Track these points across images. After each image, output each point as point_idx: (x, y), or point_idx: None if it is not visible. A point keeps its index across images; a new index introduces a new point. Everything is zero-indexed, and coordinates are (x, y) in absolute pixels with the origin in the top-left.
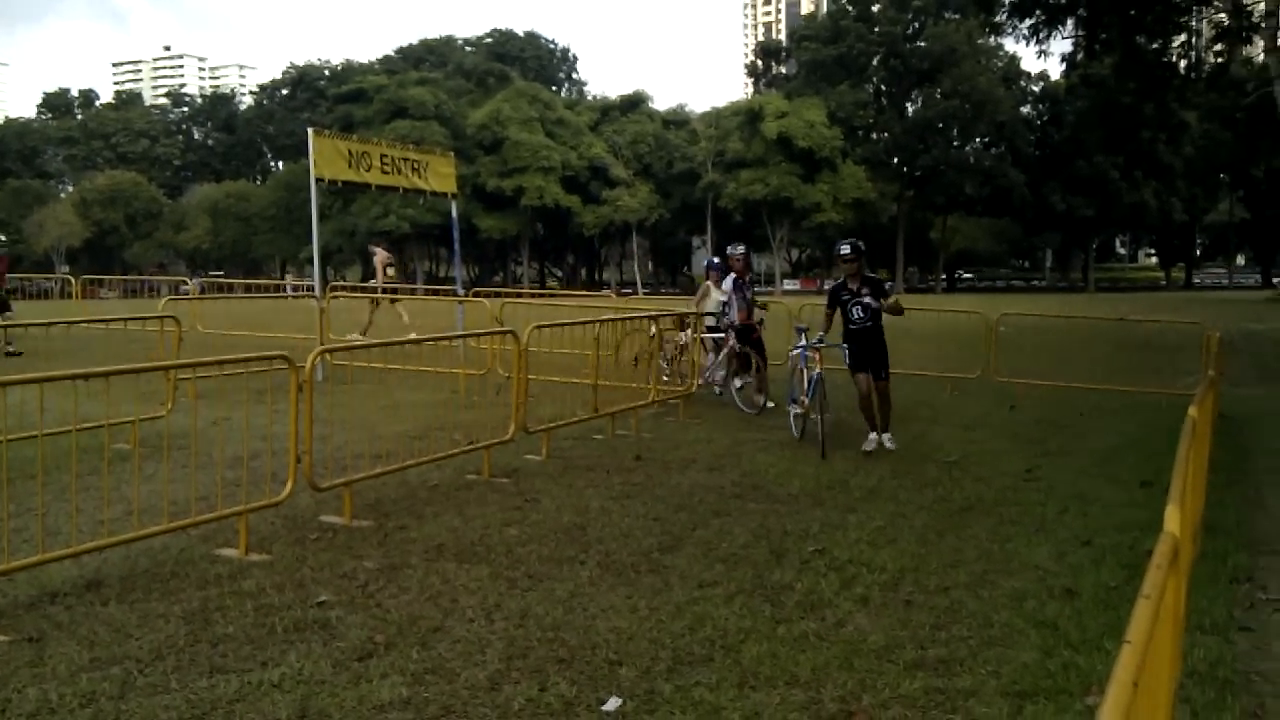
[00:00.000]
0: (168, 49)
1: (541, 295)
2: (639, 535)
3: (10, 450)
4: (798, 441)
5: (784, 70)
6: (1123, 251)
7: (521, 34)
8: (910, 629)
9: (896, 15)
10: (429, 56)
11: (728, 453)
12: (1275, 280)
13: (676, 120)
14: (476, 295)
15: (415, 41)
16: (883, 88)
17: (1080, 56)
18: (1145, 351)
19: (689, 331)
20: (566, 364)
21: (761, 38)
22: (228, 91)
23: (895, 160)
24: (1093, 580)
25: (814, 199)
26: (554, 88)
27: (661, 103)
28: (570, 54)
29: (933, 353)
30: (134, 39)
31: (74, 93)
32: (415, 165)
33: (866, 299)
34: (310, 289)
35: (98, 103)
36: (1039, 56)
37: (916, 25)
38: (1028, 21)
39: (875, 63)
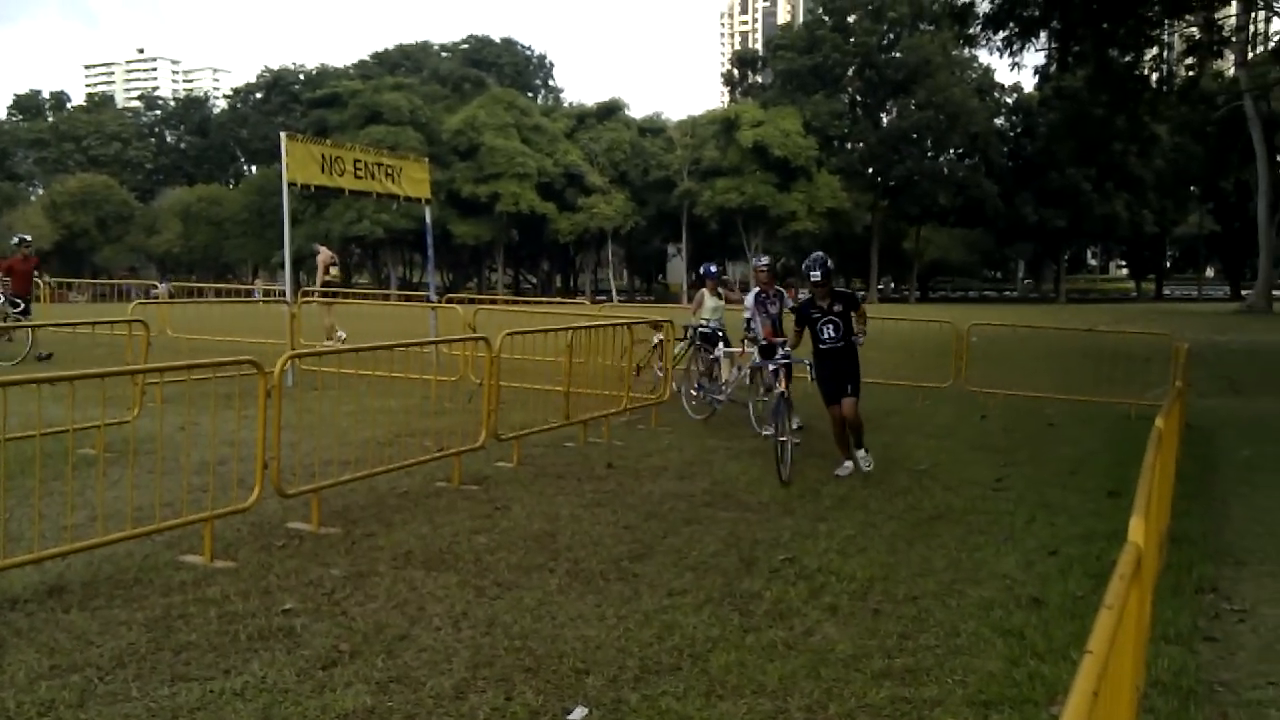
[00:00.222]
0: (141, 51)
1: (515, 302)
2: (609, 543)
3: None
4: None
5: (760, 79)
6: (1094, 263)
7: (498, 40)
8: (878, 638)
9: (872, 26)
10: (405, 62)
11: (699, 461)
12: (1244, 293)
13: (653, 128)
14: (449, 301)
15: (391, 47)
16: (858, 98)
17: (1053, 69)
18: (1115, 362)
19: (659, 336)
20: (539, 371)
21: (738, 47)
22: (201, 95)
23: (870, 170)
24: (1059, 590)
25: (789, 208)
26: (530, 94)
27: (638, 110)
28: (547, 61)
29: (905, 362)
30: (107, 41)
31: (45, 94)
32: (389, 170)
33: (837, 317)
34: (281, 293)
35: (69, 105)
36: (1012, 69)
37: (892, 36)
38: (1001, 34)
39: (851, 73)
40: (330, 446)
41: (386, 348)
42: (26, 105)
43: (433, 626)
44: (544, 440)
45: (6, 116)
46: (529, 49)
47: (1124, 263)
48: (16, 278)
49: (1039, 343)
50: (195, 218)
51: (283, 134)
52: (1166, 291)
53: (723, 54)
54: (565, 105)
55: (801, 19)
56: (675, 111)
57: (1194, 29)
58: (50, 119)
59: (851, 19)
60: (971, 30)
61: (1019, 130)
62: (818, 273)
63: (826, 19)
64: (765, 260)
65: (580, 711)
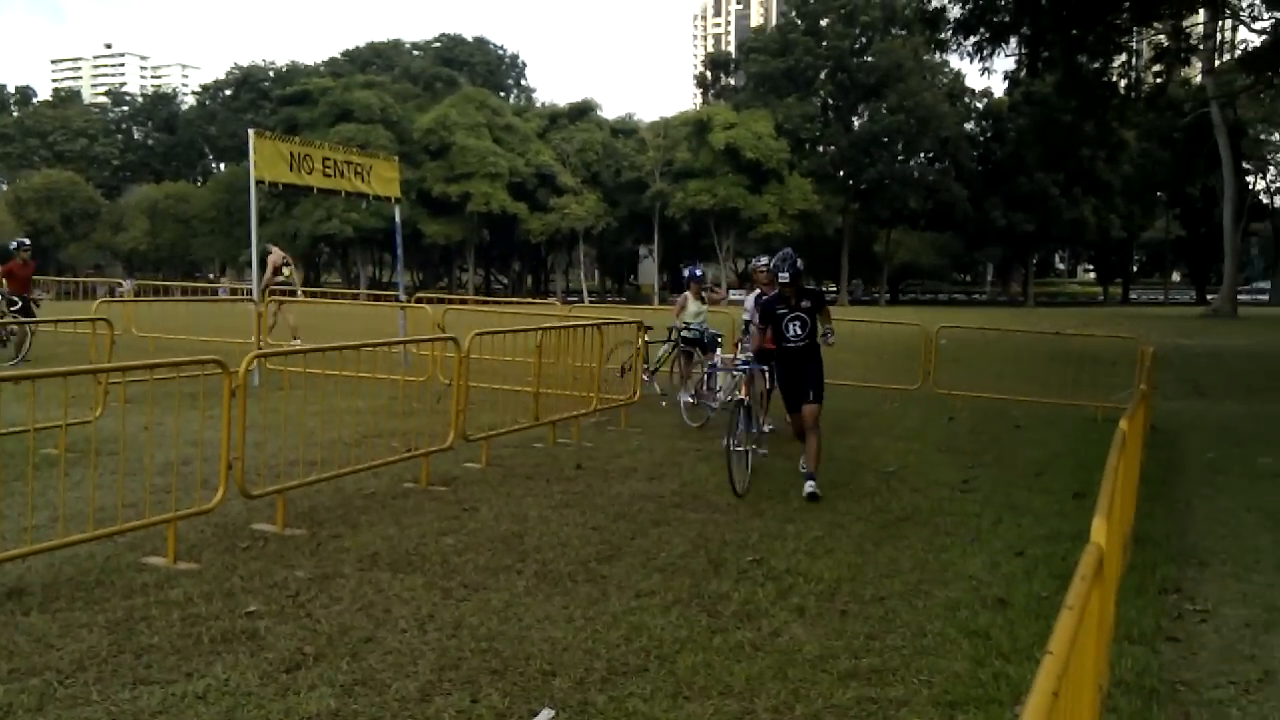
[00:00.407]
0: (109, 47)
1: (485, 303)
2: (577, 544)
3: None
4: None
5: (732, 82)
6: (1062, 267)
7: (470, 39)
8: (845, 639)
9: (844, 30)
10: (376, 60)
11: (668, 462)
12: (1209, 297)
13: (625, 129)
14: (419, 301)
15: (362, 44)
16: (830, 101)
17: (1022, 74)
18: (1081, 365)
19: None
20: (509, 372)
21: (710, 49)
22: (169, 91)
23: (841, 173)
24: (1025, 590)
25: (761, 210)
26: (502, 94)
27: (610, 111)
28: (519, 60)
29: (874, 364)
30: (74, 36)
31: (10, 89)
32: (358, 169)
33: (804, 314)
34: (248, 292)
35: (35, 100)
36: (982, 74)
37: (864, 40)
38: (972, 39)
39: (823, 76)
40: (296, 447)
41: (354, 347)
42: None
43: (398, 629)
44: (513, 441)
45: None
46: (501, 48)
47: (1091, 267)
48: (15, 282)
49: (1007, 345)
50: (162, 215)
51: (251, 131)
52: (1133, 295)
53: (695, 56)
54: (537, 105)
55: (774, 22)
56: (647, 113)
57: (1162, 36)
58: (15, 114)
59: (824, 22)
60: (942, 35)
61: (989, 135)
62: (786, 272)
63: (799, 22)
64: (766, 260)
65: (546, 714)
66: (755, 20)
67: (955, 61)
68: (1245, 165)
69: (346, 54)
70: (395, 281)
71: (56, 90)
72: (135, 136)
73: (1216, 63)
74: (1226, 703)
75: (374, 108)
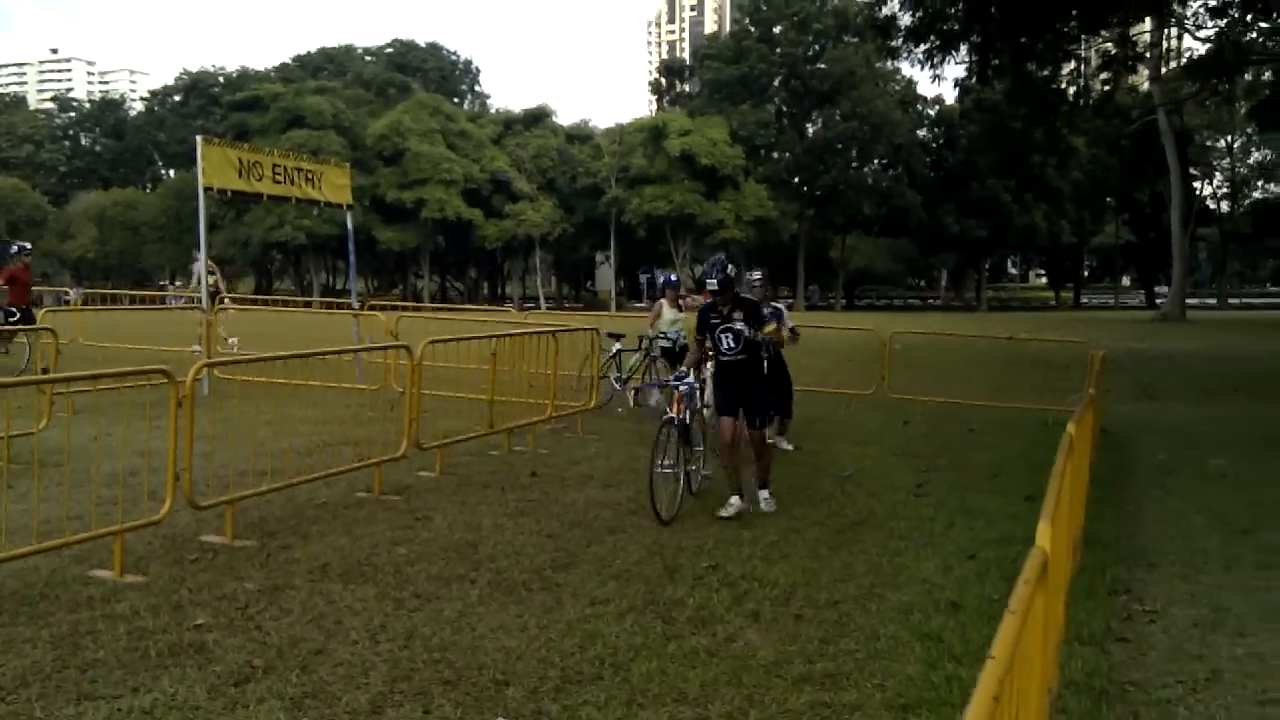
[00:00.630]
0: (54, 52)
1: (440, 310)
2: (531, 552)
3: None
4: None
5: (687, 89)
6: (1014, 272)
7: (423, 45)
8: (799, 643)
9: (797, 37)
10: (328, 65)
11: (624, 469)
12: (1159, 301)
13: (580, 135)
14: (372, 308)
15: (314, 49)
16: (784, 108)
17: (973, 82)
18: (1034, 369)
19: (618, 345)
20: (464, 379)
21: (665, 55)
22: (117, 97)
23: (796, 179)
24: (976, 593)
25: (717, 216)
26: (456, 100)
27: (565, 118)
28: (473, 66)
29: (830, 369)
30: (19, 41)
31: None
32: (309, 176)
33: (738, 324)
34: (196, 299)
35: None
36: (934, 81)
37: (817, 48)
38: (922, 47)
39: (776, 83)
40: (247, 457)
41: (306, 356)
42: None
43: (349, 640)
44: (468, 449)
45: None
46: (455, 54)
47: (1043, 272)
48: (18, 286)
49: (960, 350)
50: (111, 222)
51: (198, 138)
52: (1084, 299)
53: (650, 63)
54: (492, 111)
55: (728, 29)
56: (603, 119)
57: (1109, 44)
58: None
59: (777, 30)
60: (894, 43)
61: (941, 142)
62: (714, 280)
63: (752, 29)
64: (759, 275)
65: None
66: (709, 27)
67: (907, 69)
68: (1192, 171)
69: (298, 59)
70: (349, 288)
71: (1, 95)
72: (83, 143)
73: (1163, 70)
74: (1175, 702)
75: (326, 114)
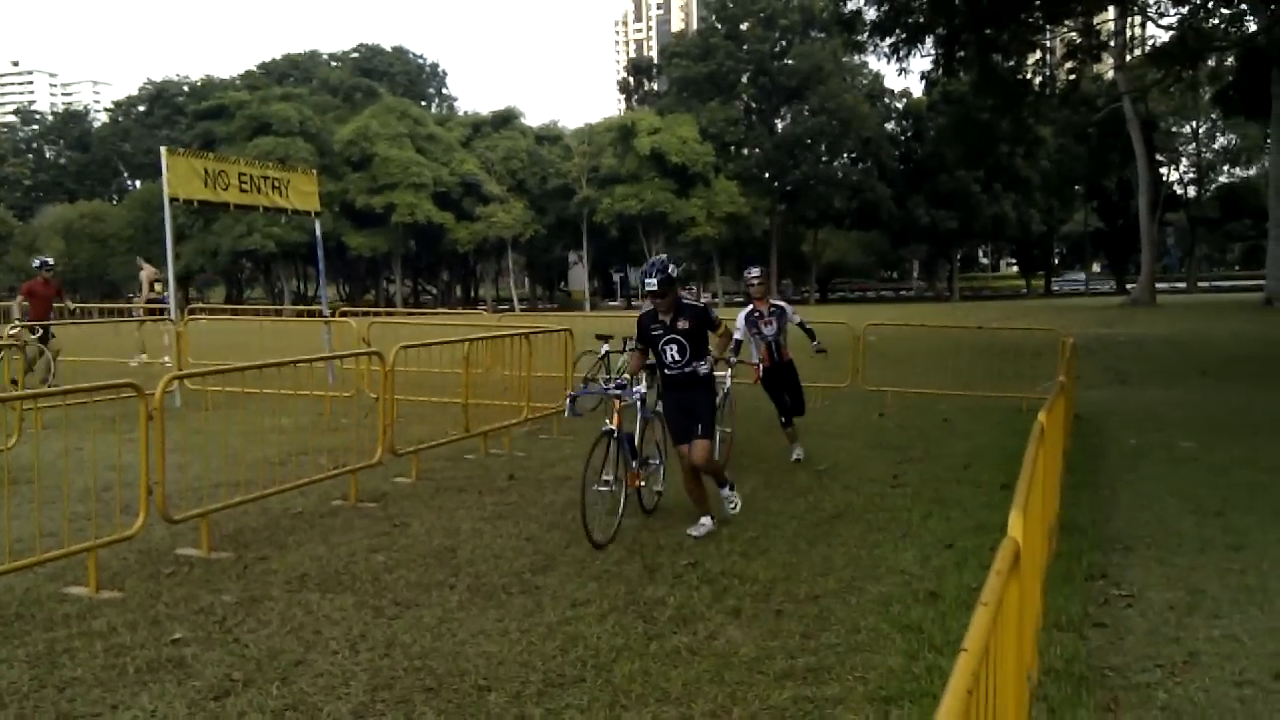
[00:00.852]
0: (16, 64)
1: (412, 314)
2: (511, 556)
3: None
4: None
5: (655, 87)
6: (985, 261)
7: (389, 49)
8: (780, 639)
9: (764, 34)
10: (293, 72)
11: None
12: (1129, 287)
13: (549, 136)
14: (344, 314)
15: (278, 56)
16: (753, 104)
17: (939, 74)
18: (1006, 358)
19: (606, 347)
20: (438, 383)
21: (633, 54)
22: (81, 108)
23: (766, 175)
24: (955, 582)
25: (688, 214)
26: (424, 103)
27: (534, 119)
28: (440, 70)
29: (804, 362)
30: None
31: None
32: (276, 184)
33: (681, 336)
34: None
35: None
36: (900, 74)
37: (784, 43)
38: (888, 40)
39: (745, 80)
40: (220, 468)
41: (277, 365)
42: None
43: (329, 650)
44: (444, 454)
45: None
46: (421, 58)
47: (1014, 260)
48: (37, 301)
49: (933, 341)
50: (78, 235)
51: (163, 149)
52: (1055, 287)
53: (618, 62)
54: (460, 114)
55: (695, 26)
56: (572, 119)
57: (1074, 34)
58: None
59: (744, 26)
60: (859, 37)
61: (909, 134)
62: (653, 280)
63: (719, 26)
64: (757, 272)
65: None
66: (676, 25)
67: (874, 63)
68: (1158, 157)
69: (263, 66)
70: (319, 295)
71: None
72: (47, 156)
73: (1127, 58)
74: (1154, 685)
75: (292, 120)
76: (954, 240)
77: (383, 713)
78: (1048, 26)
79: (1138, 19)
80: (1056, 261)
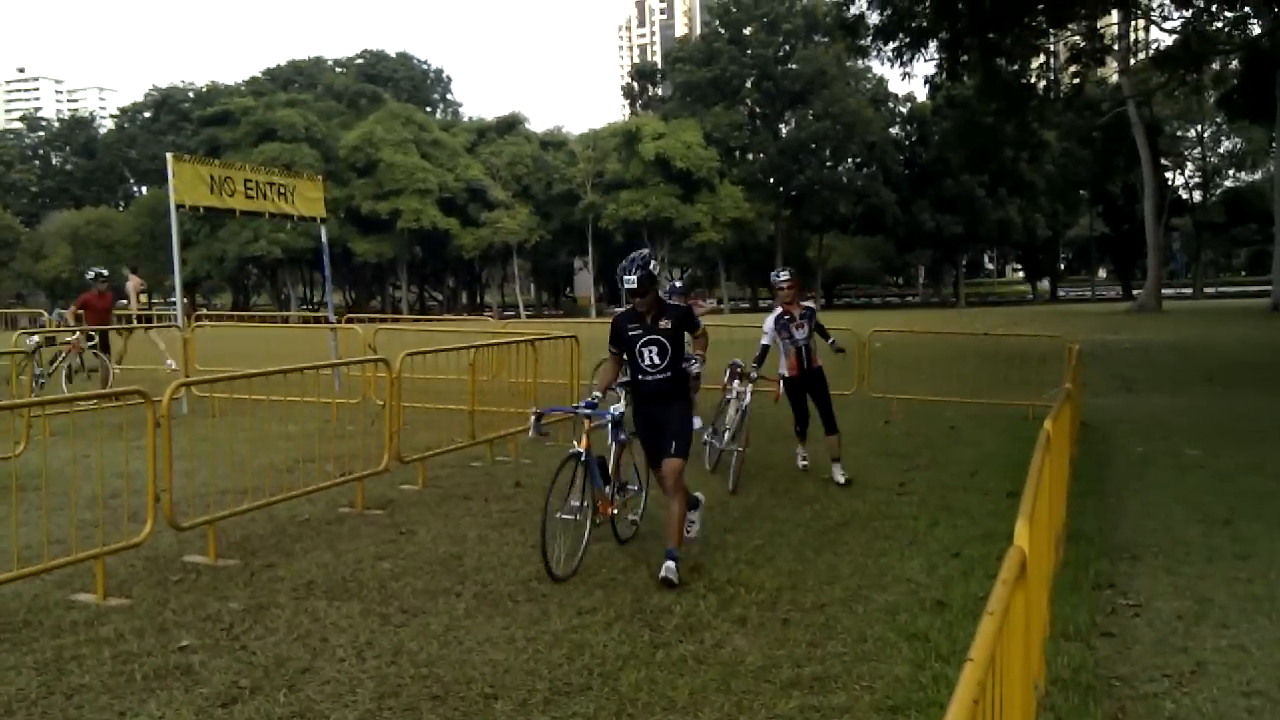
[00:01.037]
0: (21, 71)
1: (418, 321)
2: (517, 564)
3: None
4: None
5: (660, 92)
6: (991, 266)
7: (393, 55)
8: (787, 647)
9: (768, 38)
10: (298, 78)
11: None
12: (1135, 292)
13: (554, 142)
14: (350, 321)
15: (283, 63)
16: (757, 109)
17: (943, 78)
18: (1011, 364)
19: None
20: (444, 390)
21: (636, 60)
22: (87, 115)
23: (771, 180)
24: (962, 591)
25: (693, 219)
26: (428, 109)
27: (538, 124)
28: (444, 75)
29: None
30: None
31: None
32: (281, 190)
33: (663, 337)
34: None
35: None
36: (904, 79)
37: (787, 48)
38: (891, 45)
39: (749, 85)
40: (227, 475)
41: (283, 372)
42: None
43: (336, 658)
44: (450, 461)
45: None
46: (425, 63)
47: (1020, 266)
48: (91, 313)
49: (939, 347)
50: (84, 241)
51: (169, 155)
52: (1061, 293)
53: (622, 67)
54: (464, 120)
55: (698, 31)
56: (576, 125)
57: (1077, 38)
58: None
59: (747, 31)
60: (863, 41)
61: (914, 139)
62: (632, 276)
63: (723, 31)
64: (786, 275)
65: None
66: (680, 30)
67: (878, 67)
68: (1163, 162)
69: (268, 73)
70: (325, 301)
71: None
72: (53, 162)
73: (1131, 62)
74: (1161, 695)
75: (298, 126)
76: (959, 245)
77: None
78: (1051, 30)
79: (1141, 22)
80: (1062, 267)
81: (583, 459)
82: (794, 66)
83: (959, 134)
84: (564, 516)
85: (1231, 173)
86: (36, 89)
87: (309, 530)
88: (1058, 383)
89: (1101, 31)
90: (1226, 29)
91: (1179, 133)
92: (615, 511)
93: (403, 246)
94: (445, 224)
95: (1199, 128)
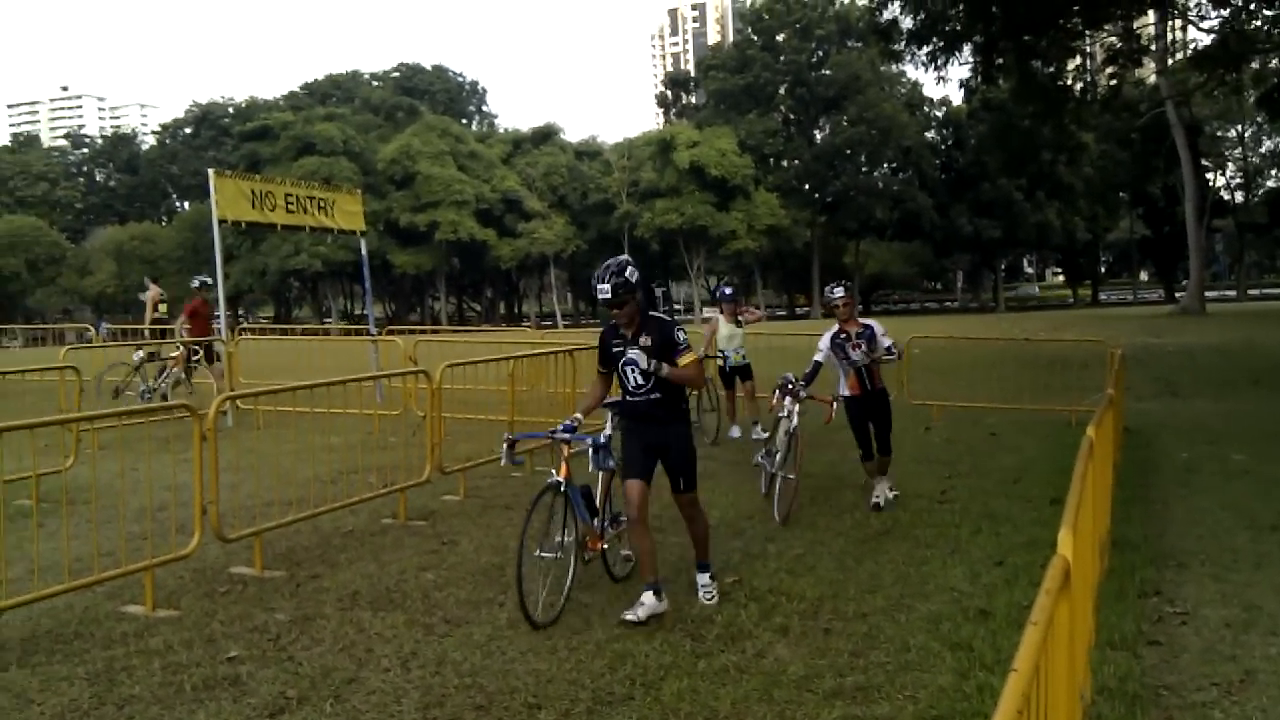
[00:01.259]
0: (65, 89)
1: (457, 332)
2: None
3: None
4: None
5: (693, 100)
6: (1030, 271)
7: (429, 68)
8: (829, 657)
9: (801, 44)
10: (335, 92)
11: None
12: (1178, 295)
13: (589, 151)
14: (390, 333)
15: (321, 77)
16: (791, 116)
17: (978, 82)
18: (1053, 370)
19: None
20: (484, 401)
21: (670, 68)
22: (129, 131)
23: (806, 187)
24: (1005, 600)
25: (729, 227)
26: (464, 121)
27: (573, 134)
28: (479, 87)
29: None
30: (28, 79)
31: None
32: (321, 204)
33: (639, 355)
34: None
35: None
36: (938, 83)
37: (821, 54)
38: (925, 49)
39: (782, 91)
40: (272, 487)
41: (326, 385)
42: None
43: (381, 668)
44: (491, 471)
45: None
46: (461, 76)
47: (1060, 270)
48: (199, 321)
49: (979, 353)
50: (128, 256)
51: (211, 171)
52: (1102, 296)
53: (655, 76)
54: (500, 131)
55: (731, 39)
56: (611, 134)
57: (1114, 38)
58: None
59: (780, 38)
60: (897, 46)
61: (950, 143)
62: (606, 285)
63: (756, 38)
64: (841, 291)
65: None
66: (713, 38)
67: (912, 71)
68: (1204, 162)
69: (306, 87)
70: (366, 313)
71: (15, 135)
72: (97, 179)
73: (1169, 62)
74: (1209, 705)
75: (336, 140)
76: (997, 249)
77: None
78: (1087, 32)
79: (1178, 22)
80: (1103, 270)
81: (562, 489)
82: (828, 72)
83: (995, 137)
84: (543, 554)
85: (1274, 173)
86: (80, 107)
87: (353, 541)
88: (1100, 388)
89: (1138, 32)
90: (1266, 28)
91: (1219, 133)
92: (606, 546)
93: (441, 258)
94: (482, 235)
95: (1239, 128)
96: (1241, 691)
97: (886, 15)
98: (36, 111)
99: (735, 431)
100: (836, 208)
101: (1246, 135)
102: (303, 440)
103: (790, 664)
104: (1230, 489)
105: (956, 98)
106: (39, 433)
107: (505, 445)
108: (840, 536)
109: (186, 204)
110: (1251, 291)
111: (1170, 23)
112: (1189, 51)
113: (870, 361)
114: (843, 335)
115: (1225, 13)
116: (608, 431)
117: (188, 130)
